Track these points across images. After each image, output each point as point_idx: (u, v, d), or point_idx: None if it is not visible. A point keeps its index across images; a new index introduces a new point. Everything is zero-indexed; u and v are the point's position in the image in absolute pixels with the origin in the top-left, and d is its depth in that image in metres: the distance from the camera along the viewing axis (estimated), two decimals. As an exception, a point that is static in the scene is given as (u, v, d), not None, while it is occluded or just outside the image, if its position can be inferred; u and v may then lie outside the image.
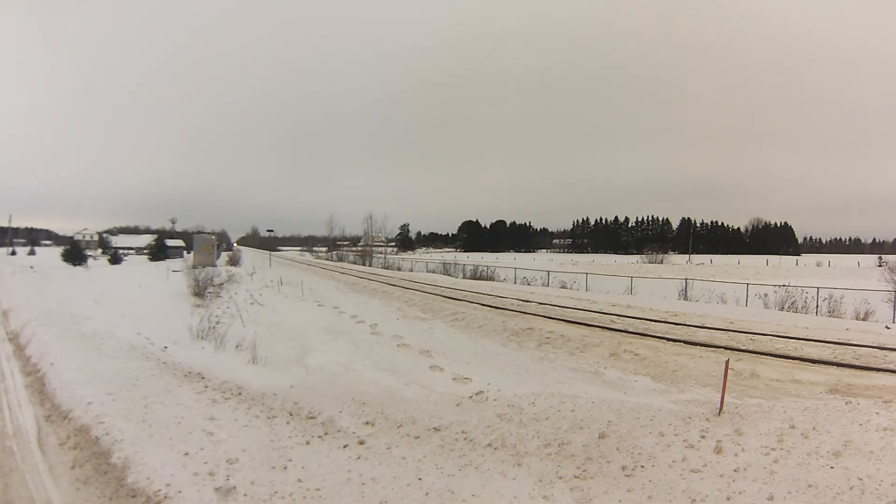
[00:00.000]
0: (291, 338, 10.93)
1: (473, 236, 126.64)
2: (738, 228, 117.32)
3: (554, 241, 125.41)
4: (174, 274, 25.05)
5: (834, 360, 7.83)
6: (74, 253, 39.54)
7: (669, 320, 11.67)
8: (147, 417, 5.34)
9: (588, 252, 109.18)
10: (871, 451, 4.37)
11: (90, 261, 40.54)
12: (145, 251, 53.60)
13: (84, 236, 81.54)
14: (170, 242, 60.68)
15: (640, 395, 6.58)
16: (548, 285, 23.31)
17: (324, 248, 76.87)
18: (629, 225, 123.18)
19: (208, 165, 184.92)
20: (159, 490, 3.90)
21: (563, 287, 22.29)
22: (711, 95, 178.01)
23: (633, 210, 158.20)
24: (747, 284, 17.95)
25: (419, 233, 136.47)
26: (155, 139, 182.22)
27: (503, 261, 48.83)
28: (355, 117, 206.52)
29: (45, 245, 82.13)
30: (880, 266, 38.27)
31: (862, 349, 8.41)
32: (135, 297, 17.25)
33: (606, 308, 13.71)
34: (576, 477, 4.25)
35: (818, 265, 60.98)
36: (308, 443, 4.95)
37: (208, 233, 65.92)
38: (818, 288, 15.71)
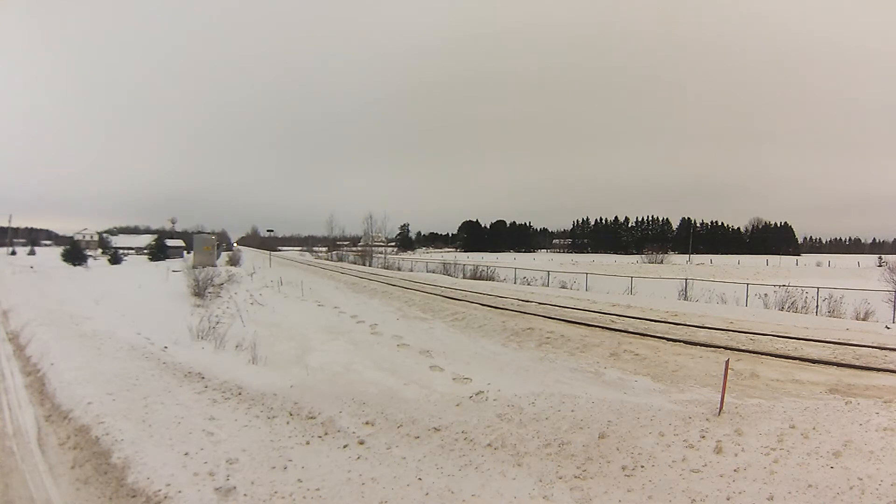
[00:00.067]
0: (291, 338, 10.93)
1: (473, 236, 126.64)
2: (738, 228, 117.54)
3: (554, 241, 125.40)
4: (174, 274, 25.05)
5: (834, 360, 7.83)
6: (74, 253, 39.55)
7: (669, 320, 11.67)
8: (147, 417, 5.34)
9: (588, 252, 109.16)
10: (871, 451, 4.37)
11: (90, 261, 40.55)
12: (145, 251, 53.62)
13: (84, 236, 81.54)
14: (170, 242, 60.68)
15: (640, 395, 6.58)
16: (548, 285, 23.31)
17: (324, 248, 76.85)
18: (629, 225, 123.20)
19: (208, 165, 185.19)
20: (159, 490, 3.90)
21: (563, 287, 22.29)
22: (711, 95, 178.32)
23: (633, 210, 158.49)
24: (747, 284, 17.95)
25: (419, 233, 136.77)
26: (155, 139, 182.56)
27: (503, 261, 48.83)
28: (355, 117, 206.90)
29: (45, 245, 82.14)
30: (880, 266, 38.26)
31: (862, 349, 8.41)
32: (135, 297, 17.25)
33: (606, 308, 13.71)
34: (576, 477, 4.25)
35: (818, 265, 60.99)
36: (308, 443, 4.95)
37: (208, 233, 65.95)
38: (818, 288, 15.71)
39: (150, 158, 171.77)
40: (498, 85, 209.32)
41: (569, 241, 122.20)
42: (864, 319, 13.25)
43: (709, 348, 8.94)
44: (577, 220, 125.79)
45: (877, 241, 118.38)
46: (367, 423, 5.47)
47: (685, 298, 17.97)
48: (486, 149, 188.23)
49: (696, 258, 75.16)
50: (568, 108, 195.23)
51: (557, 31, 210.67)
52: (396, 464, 4.50)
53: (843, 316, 13.78)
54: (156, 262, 41.69)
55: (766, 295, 15.91)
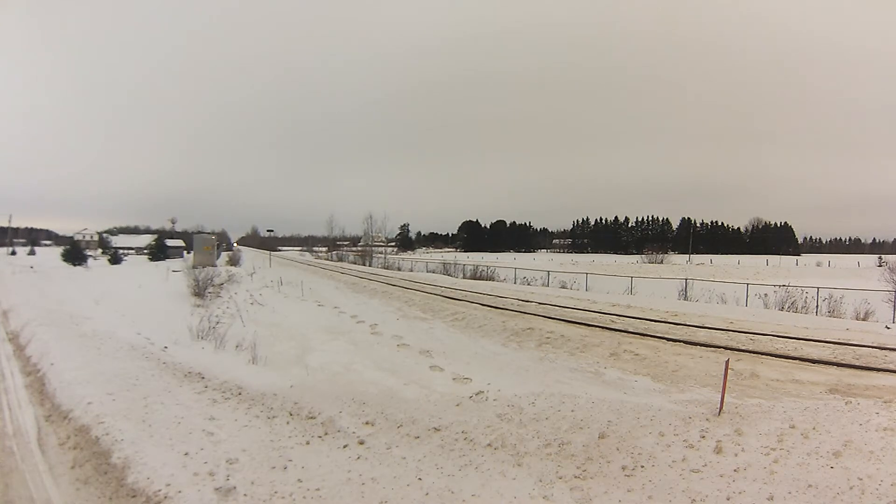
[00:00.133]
0: (291, 338, 10.93)
1: (473, 236, 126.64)
2: (738, 228, 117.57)
3: (554, 241, 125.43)
4: (174, 274, 25.05)
5: (834, 360, 7.83)
6: (74, 253, 39.55)
7: (669, 320, 11.67)
8: (147, 417, 5.34)
9: (588, 252, 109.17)
10: (871, 451, 4.37)
11: (90, 261, 40.54)
12: (145, 251, 53.62)
13: (84, 236, 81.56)
14: (170, 242, 60.68)
15: (640, 395, 6.58)
16: (548, 285, 23.31)
17: (324, 248, 76.86)
18: (629, 225, 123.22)
19: (208, 165, 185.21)
20: (159, 490, 3.90)
21: (563, 287, 22.29)
22: (711, 95, 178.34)
23: (633, 210, 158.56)
24: (747, 284, 17.95)
25: (419, 233, 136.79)
26: (155, 139, 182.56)
27: (503, 261, 48.83)
28: (355, 117, 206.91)
29: (45, 245, 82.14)
30: (880, 266, 38.25)
31: (862, 349, 8.41)
32: (135, 297, 17.26)
33: (606, 308, 13.71)
34: (576, 477, 4.25)
35: (818, 265, 61.00)
36: (308, 443, 4.95)
37: (208, 233, 65.95)
38: (818, 288, 15.71)
39: (150, 158, 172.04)
40: (498, 85, 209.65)
41: (569, 241, 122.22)
42: (864, 319, 13.25)
43: (709, 348, 8.94)
44: (577, 220, 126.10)
45: (877, 241, 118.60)
46: (367, 423, 5.47)
47: (685, 298, 17.97)
48: (486, 149, 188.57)
49: (696, 258, 75.16)
50: (568, 108, 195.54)
51: (557, 31, 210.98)
52: (396, 464, 4.50)
53: (843, 316, 13.78)
54: (156, 262, 41.68)
55: (766, 295, 15.91)
